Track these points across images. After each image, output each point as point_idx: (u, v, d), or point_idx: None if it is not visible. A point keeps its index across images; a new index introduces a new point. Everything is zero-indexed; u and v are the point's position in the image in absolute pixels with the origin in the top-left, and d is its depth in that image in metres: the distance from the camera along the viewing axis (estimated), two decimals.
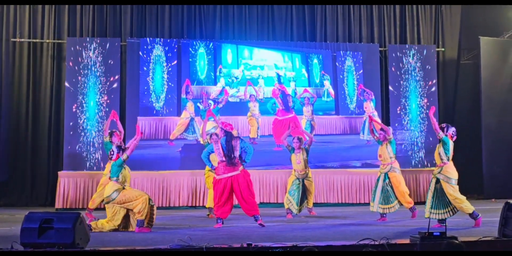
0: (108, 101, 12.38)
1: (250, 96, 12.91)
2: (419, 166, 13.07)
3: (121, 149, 8.82)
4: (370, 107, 13.13)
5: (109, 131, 10.27)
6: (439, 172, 8.93)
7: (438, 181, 8.90)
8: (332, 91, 13.29)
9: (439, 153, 9.07)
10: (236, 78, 13.02)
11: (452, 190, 8.78)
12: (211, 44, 12.99)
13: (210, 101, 12.61)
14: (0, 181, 12.49)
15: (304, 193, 10.32)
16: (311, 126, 12.93)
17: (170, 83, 12.70)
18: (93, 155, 12.16)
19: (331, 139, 13.07)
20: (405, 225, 9.02)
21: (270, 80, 13.17)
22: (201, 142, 11.12)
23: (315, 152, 11.38)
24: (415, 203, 12.40)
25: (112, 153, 8.93)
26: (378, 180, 9.85)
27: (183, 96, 12.61)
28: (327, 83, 13.31)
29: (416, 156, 13.13)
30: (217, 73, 12.95)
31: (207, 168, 10.53)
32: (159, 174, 12.02)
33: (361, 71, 13.35)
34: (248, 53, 13.25)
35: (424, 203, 12.39)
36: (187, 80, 12.68)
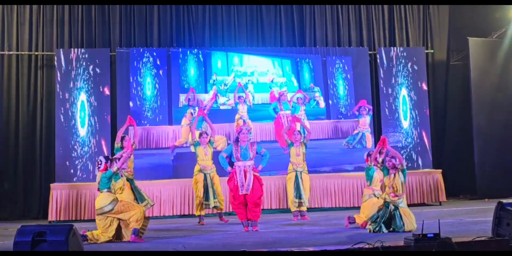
0: (99, 111, 12.35)
1: (239, 97, 12.84)
2: (412, 168, 13.06)
3: (109, 159, 8.67)
4: (366, 123, 13.05)
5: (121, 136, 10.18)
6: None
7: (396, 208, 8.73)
8: (322, 103, 13.25)
9: (401, 182, 8.80)
10: (226, 85, 13.00)
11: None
12: (200, 52, 12.99)
13: (196, 108, 12.48)
14: None
15: (300, 188, 10.48)
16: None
17: (160, 92, 12.67)
18: (85, 166, 12.10)
19: (323, 143, 13.04)
20: None
21: (260, 86, 13.16)
22: (190, 142, 11.04)
23: (308, 157, 11.36)
24: (410, 205, 12.46)
25: (99, 163, 8.71)
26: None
27: (185, 103, 12.57)
28: (317, 95, 13.28)
29: (408, 158, 13.12)
30: (211, 81, 12.92)
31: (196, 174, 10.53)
32: (151, 183, 11.94)
33: (352, 74, 13.36)
34: (238, 60, 13.25)
35: (418, 205, 12.51)
36: (191, 88, 12.66)
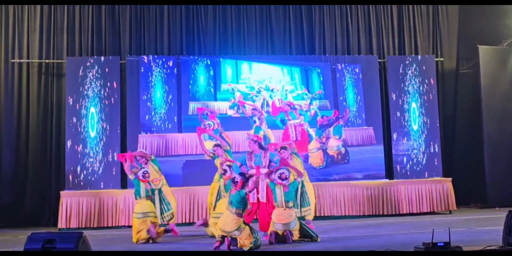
0: (108, 119, 12.39)
1: (254, 110, 12.81)
2: (422, 176, 12.99)
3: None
4: (333, 145, 12.92)
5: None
6: None
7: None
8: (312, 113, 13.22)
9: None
10: (233, 92, 12.98)
11: None
12: (210, 60, 13.02)
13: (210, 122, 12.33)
14: (5, 203, 12.42)
15: (303, 195, 10.36)
16: (309, 133, 12.87)
17: (170, 100, 12.71)
18: (96, 174, 12.12)
19: None
20: (409, 236, 8.98)
21: (271, 94, 13.16)
22: (207, 158, 10.97)
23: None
24: (420, 214, 12.44)
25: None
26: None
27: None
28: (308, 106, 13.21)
29: (418, 166, 13.07)
30: (234, 90, 12.91)
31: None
32: None
33: (361, 82, 13.34)
34: (247, 68, 13.26)
35: (428, 213, 12.45)
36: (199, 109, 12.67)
